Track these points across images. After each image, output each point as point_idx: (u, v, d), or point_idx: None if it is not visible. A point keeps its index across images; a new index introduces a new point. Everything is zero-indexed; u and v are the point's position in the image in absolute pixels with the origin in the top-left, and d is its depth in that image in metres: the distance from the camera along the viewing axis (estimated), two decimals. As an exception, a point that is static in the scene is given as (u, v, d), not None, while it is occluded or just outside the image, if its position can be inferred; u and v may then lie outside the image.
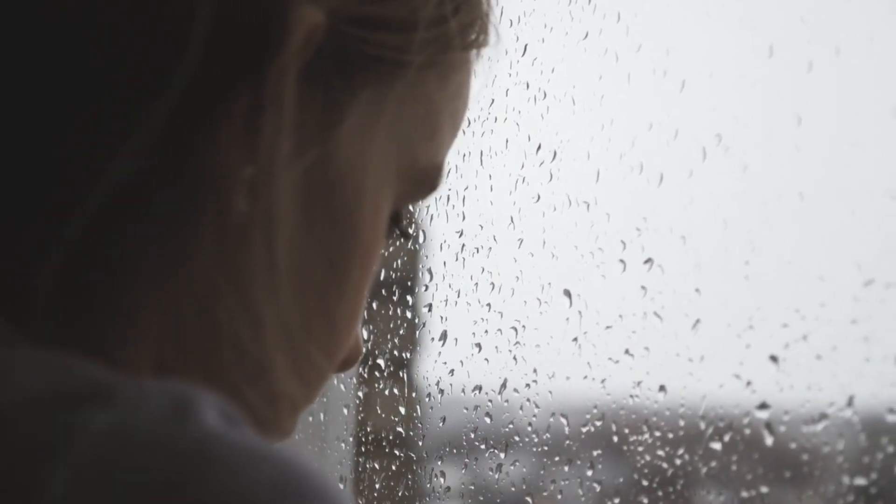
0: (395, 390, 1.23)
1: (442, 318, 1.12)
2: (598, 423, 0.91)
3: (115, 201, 0.49)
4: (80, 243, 0.49)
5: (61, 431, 0.40)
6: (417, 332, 1.19)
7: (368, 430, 1.28)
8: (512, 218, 1.01)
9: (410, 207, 0.63)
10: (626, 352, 0.86)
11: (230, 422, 0.43)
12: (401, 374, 1.22)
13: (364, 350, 0.66)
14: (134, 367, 0.52)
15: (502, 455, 1.03)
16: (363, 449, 1.28)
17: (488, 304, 1.04)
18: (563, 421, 0.95)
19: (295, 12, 0.50)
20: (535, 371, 0.98)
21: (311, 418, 1.32)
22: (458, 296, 1.09)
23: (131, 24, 0.49)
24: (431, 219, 1.12)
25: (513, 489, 1.03)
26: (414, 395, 1.19)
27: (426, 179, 0.61)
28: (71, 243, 0.48)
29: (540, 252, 0.97)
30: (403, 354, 1.22)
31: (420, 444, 1.18)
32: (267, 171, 0.50)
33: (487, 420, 1.05)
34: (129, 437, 0.40)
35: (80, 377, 0.44)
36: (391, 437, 1.23)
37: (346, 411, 1.31)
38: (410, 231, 0.65)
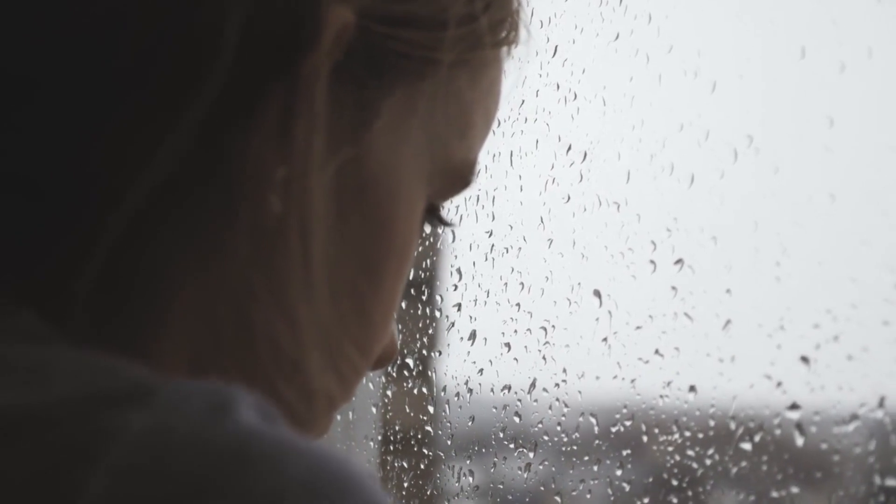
0: (424, 389, 1.23)
1: (471, 317, 1.12)
2: (628, 423, 0.91)
3: (150, 202, 0.49)
4: (117, 243, 0.49)
5: (100, 432, 0.40)
6: (446, 332, 1.19)
7: (397, 428, 1.28)
8: (542, 218, 1.01)
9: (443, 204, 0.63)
10: (657, 352, 0.86)
11: (268, 419, 0.43)
12: (429, 373, 1.22)
13: (396, 348, 0.66)
14: (169, 365, 0.52)
15: (531, 454, 1.04)
16: (391, 447, 1.29)
17: (518, 304, 1.04)
18: (593, 420, 0.95)
19: (325, 12, 0.50)
20: (564, 371, 0.98)
21: (339, 417, 1.33)
22: (488, 295, 1.09)
23: (164, 27, 0.49)
24: (461, 218, 1.12)
25: (542, 489, 1.03)
26: (443, 394, 1.20)
27: (459, 176, 0.61)
28: (109, 244, 0.49)
29: (570, 252, 0.97)
30: (432, 354, 1.22)
31: (448, 443, 1.18)
32: (300, 171, 0.50)
33: (516, 419, 1.05)
34: (167, 437, 0.40)
35: (120, 378, 0.44)
36: (420, 436, 1.23)
37: (374, 410, 1.32)
38: (449, 220, 0.65)
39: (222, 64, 0.48)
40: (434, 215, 0.62)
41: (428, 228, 1.18)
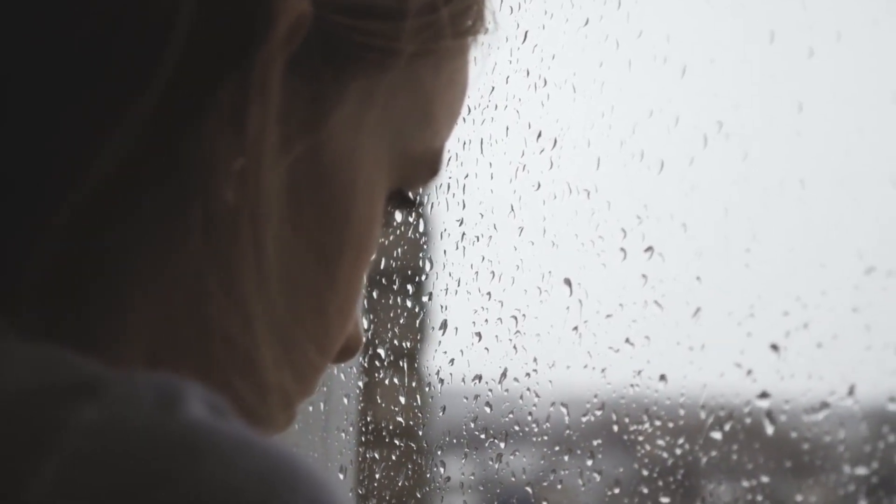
0: (396, 380, 1.22)
1: (442, 307, 1.11)
2: (599, 413, 0.90)
3: (103, 195, 0.48)
4: (71, 237, 0.49)
5: (50, 424, 0.40)
6: (418, 322, 1.18)
7: (369, 419, 1.27)
8: (512, 206, 1.00)
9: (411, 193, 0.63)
10: (627, 341, 0.85)
11: (217, 413, 0.43)
12: (401, 363, 1.22)
13: (364, 339, 0.65)
14: (127, 360, 0.52)
15: (502, 445, 1.03)
16: (364, 439, 1.28)
17: (488, 293, 1.04)
18: (564, 410, 0.95)
19: (280, 2, 0.49)
20: (535, 360, 0.97)
21: (311, 408, 1.32)
22: (459, 285, 1.09)
23: (115, 16, 0.48)
24: (432, 207, 1.12)
25: (513, 479, 1.02)
26: (414, 384, 1.19)
27: (425, 166, 0.61)
28: (57, 236, 0.48)
29: (540, 240, 0.97)
30: (404, 344, 1.21)
31: (420, 433, 1.18)
32: (255, 163, 0.50)
33: (487, 410, 1.04)
34: (116, 429, 0.40)
35: (70, 370, 0.43)
36: (392, 427, 1.23)
37: (346, 401, 1.31)
38: (416, 198, 0.64)
39: (174, 53, 0.47)
40: (401, 197, 0.61)
41: (399, 217, 1.17)
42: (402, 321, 1.21)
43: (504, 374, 1.01)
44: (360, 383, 1.29)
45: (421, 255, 1.16)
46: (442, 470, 1.12)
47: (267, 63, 0.49)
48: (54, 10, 0.48)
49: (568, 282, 0.93)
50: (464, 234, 1.08)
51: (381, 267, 1.21)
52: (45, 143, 0.49)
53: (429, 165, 0.61)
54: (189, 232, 0.51)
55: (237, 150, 0.50)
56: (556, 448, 0.96)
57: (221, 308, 0.51)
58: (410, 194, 0.62)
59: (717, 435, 0.78)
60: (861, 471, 0.70)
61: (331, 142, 0.55)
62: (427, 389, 1.14)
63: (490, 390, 1.04)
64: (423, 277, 1.14)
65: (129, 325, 0.52)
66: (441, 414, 1.12)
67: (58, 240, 0.48)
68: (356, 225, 0.57)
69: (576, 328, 0.91)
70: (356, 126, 0.55)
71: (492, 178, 1.04)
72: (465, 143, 1.06)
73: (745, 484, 0.78)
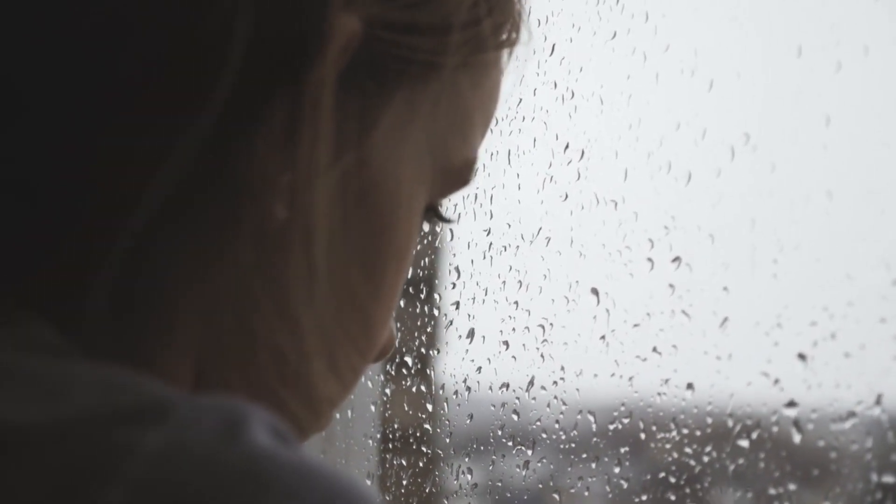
0: (423, 387, 1.23)
1: (469, 315, 1.12)
2: (626, 421, 0.91)
3: (156, 210, 0.49)
4: (124, 251, 0.49)
5: (116, 450, 0.41)
6: (445, 330, 1.19)
7: (395, 427, 1.28)
8: (540, 216, 1.01)
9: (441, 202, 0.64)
10: (654, 350, 0.86)
11: (281, 439, 0.43)
12: (428, 371, 1.22)
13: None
14: (174, 373, 0.52)
15: (529, 452, 1.04)
16: (390, 446, 1.29)
17: (516, 302, 1.04)
18: (591, 418, 0.95)
19: (333, 21, 0.50)
20: (562, 369, 0.98)
21: (338, 415, 1.33)
22: (486, 294, 1.09)
23: (171, 35, 0.49)
24: (459, 217, 1.12)
25: (540, 486, 1.03)
26: (441, 392, 1.20)
27: (459, 176, 0.62)
28: (121, 255, 0.49)
29: (567, 250, 0.97)
30: (431, 352, 1.22)
31: (447, 441, 1.18)
32: (305, 178, 0.51)
33: (515, 417, 1.05)
34: (181, 456, 0.41)
35: (136, 393, 0.44)
36: (418, 434, 1.23)
37: (373, 408, 1.32)
38: (448, 217, 0.65)
39: (229, 72, 0.48)
40: (434, 213, 0.62)
41: (427, 227, 1.18)
42: (428, 330, 1.22)
43: (531, 383, 1.02)
44: (388, 391, 1.30)
45: (448, 264, 1.16)
46: (469, 477, 1.13)
47: (319, 81, 0.50)
48: (110, 26, 0.49)
49: (595, 291, 0.93)
50: (491, 243, 1.08)
51: (409, 275, 1.22)
52: (102, 162, 0.50)
53: (463, 175, 0.62)
54: (239, 246, 0.51)
55: (288, 166, 0.50)
56: (583, 455, 0.97)
57: (269, 320, 0.52)
58: (444, 214, 0.63)
59: (744, 443, 0.79)
60: (888, 479, 0.70)
61: (375, 153, 0.55)
62: (454, 397, 1.15)
63: (517, 398, 1.04)
64: (451, 286, 1.15)
65: (178, 337, 0.53)
66: (468, 421, 1.13)
67: (118, 258, 0.49)
68: (398, 234, 0.58)
69: (603, 337, 0.92)
70: (399, 137, 0.56)
71: (519, 188, 1.05)
72: (492, 154, 1.07)
73: (772, 492, 0.78)
